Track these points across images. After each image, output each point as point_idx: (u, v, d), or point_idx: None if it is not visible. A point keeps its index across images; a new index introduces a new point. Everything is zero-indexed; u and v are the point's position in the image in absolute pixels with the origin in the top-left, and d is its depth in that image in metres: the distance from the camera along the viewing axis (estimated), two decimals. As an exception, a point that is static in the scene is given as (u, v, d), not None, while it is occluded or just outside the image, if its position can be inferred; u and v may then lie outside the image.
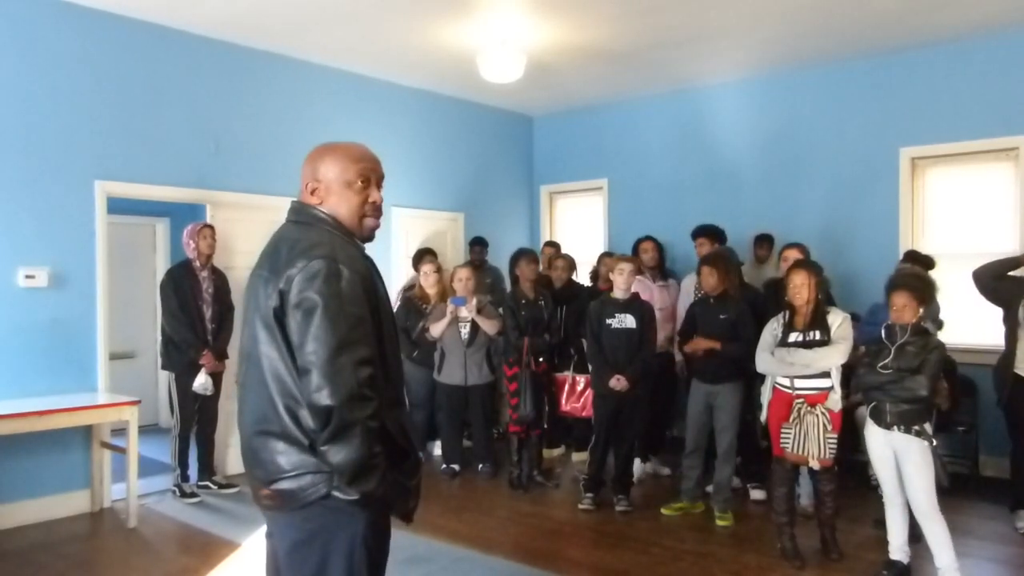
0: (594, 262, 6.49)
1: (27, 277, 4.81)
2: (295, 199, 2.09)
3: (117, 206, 5.60)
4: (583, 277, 6.73)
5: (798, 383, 4.04)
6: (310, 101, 6.41)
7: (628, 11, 5.29)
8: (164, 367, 5.46)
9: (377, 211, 2.09)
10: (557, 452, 6.52)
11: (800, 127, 6.74)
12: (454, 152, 7.69)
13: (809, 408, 3.95)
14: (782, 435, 4.03)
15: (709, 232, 5.87)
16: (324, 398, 1.76)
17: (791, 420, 3.99)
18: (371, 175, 2.06)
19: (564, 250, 7.04)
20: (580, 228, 8.36)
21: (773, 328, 4.20)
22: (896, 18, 5.45)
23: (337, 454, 1.78)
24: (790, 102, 6.80)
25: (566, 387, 5.68)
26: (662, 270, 6.18)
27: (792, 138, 6.77)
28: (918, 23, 5.55)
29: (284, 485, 1.86)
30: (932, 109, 6.07)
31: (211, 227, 5.43)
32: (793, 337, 4.07)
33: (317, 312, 1.80)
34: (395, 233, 7.07)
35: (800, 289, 4.06)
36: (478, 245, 7.21)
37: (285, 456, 1.87)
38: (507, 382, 5.62)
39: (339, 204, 2.02)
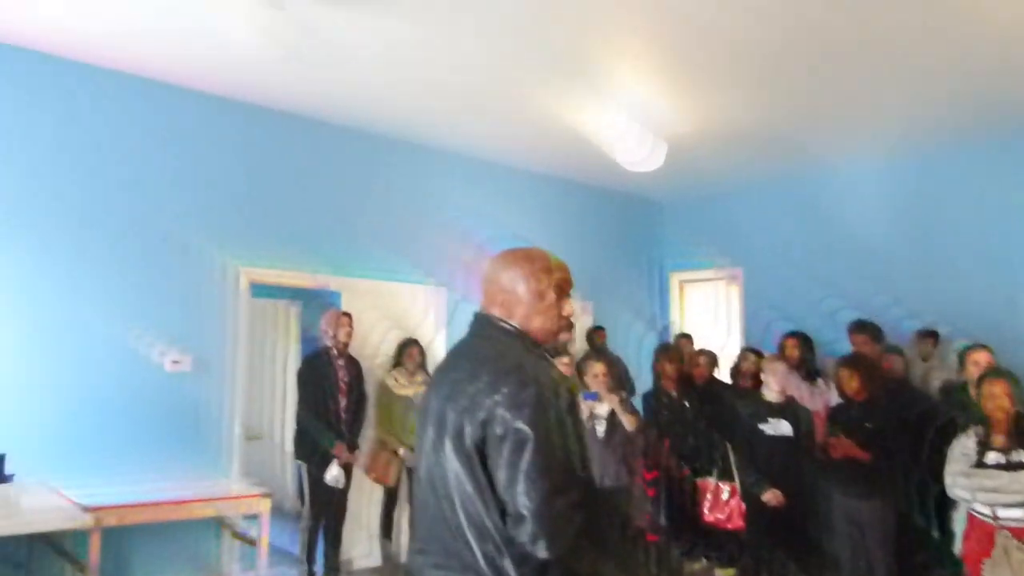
0: (732, 356, 6.11)
1: (174, 363, 4.90)
2: (478, 311, 1.95)
3: (254, 290, 5.70)
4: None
5: (1001, 512, 3.53)
6: (440, 188, 6.41)
7: (770, 91, 5.10)
8: (297, 456, 5.35)
9: (570, 324, 1.93)
10: (698, 566, 6.00)
11: (955, 208, 6.21)
12: (584, 239, 7.49)
13: (1018, 544, 3.42)
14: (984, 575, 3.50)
15: (868, 329, 5.43)
16: (541, 550, 1.60)
17: (994, 556, 3.46)
18: (565, 285, 1.91)
19: (696, 342, 6.70)
20: (711, 318, 7.98)
21: (965, 446, 3.71)
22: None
23: None
24: (944, 182, 6.30)
25: (708, 495, 5.25)
26: (809, 369, 5.70)
27: (947, 221, 6.24)
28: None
29: None
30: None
31: (349, 315, 5.41)
32: (992, 458, 3.59)
33: (528, 448, 1.63)
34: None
35: (1000, 400, 3.61)
36: (599, 330, 6.95)
37: None
38: (645, 486, 5.24)
39: (530, 317, 1.87)
